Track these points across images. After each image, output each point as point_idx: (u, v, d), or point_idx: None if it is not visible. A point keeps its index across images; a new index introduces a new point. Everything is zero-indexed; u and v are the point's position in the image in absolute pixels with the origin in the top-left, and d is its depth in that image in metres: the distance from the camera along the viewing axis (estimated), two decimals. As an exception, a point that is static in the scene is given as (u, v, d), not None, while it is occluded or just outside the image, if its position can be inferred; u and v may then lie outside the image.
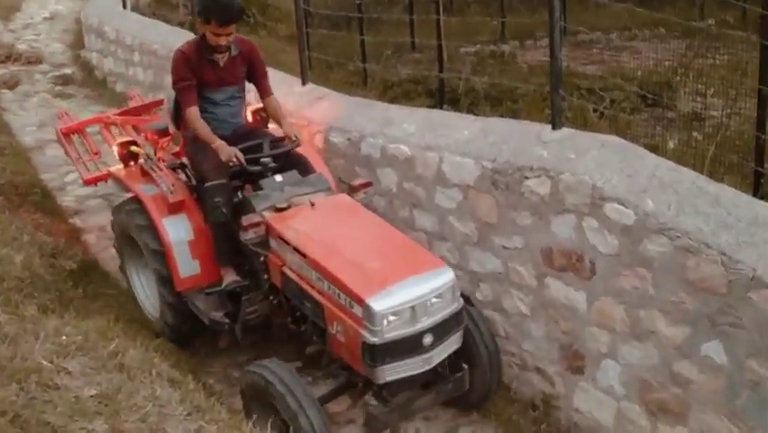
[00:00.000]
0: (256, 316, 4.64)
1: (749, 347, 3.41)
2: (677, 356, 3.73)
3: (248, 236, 4.29)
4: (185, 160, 5.10)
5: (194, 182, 4.98)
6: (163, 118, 6.00)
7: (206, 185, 4.58)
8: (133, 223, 4.97)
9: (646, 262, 3.78)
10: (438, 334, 3.89)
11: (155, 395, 3.09)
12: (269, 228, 4.35)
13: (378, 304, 3.72)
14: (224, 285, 4.68)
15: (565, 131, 4.42)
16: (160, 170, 5.04)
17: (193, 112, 4.71)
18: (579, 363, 4.25)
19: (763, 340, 3.35)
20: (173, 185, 4.87)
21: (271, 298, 4.54)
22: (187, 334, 5.02)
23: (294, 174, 4.70)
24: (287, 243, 4.22)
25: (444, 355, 4.00)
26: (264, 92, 5.03)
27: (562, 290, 4.23)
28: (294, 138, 4.81)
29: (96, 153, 6.34)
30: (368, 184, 4.75)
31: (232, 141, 4.71)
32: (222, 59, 4.81)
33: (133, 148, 5.45)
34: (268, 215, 4.41)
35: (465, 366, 4.20)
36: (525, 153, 4.39)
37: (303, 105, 6.11)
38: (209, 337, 5.07)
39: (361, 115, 5.65)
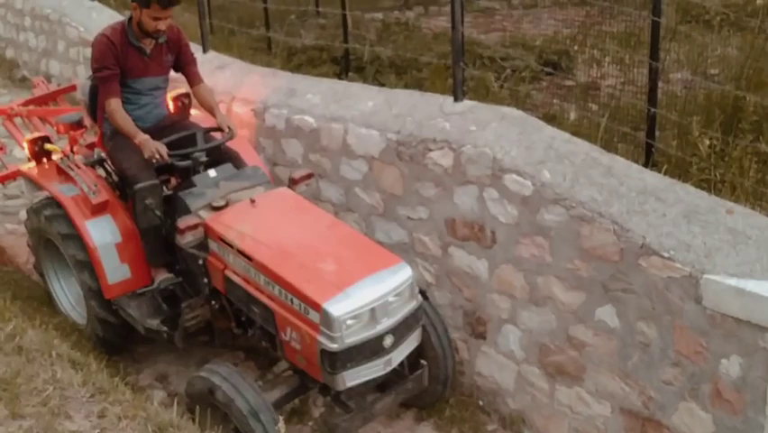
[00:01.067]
0: (197, 322, 4.33)
1: (639, 311, 3.60)
2: (573, 321, 3.90)
3: (185, 240, 4.02)
4: (102, 154, 4.71)
5: (115, 179, 4.67)
6: (72, 108, 5.62)
7: (137, 187, 4.25)
8: (54, 230, 4.59)
9: (544, 231, 3.92)
10: (398, 334, 3.73)
11: (56, 378, 3.03)
12: (207, 229, 4.08)
13: (335, 308, 3.53)
14: (155, 284, 4.41)
15: (467, 103, 4.50)
16: (78, 167, 4.66)
17: (114, 103, 4.38)
18: (481, 329, 4.39)
19: (652, 304, 3.54)
20: (95, 184, 4.51)
21: (213, 303, 4.26)
22: (120, 345, 4.73)
23: (228, 168, 4.41)
24: (229, 245, 3.97)
25: (404, 355, 3.87)
26: (194, 79, 4.69)
27: (465, 258, 4.35)
28: (228, 130, 4.49)
29: (0, 149, 5.88)
30: (309, 175, 4.48)
31: (156, 133, 4.41)
32: (149, 46, 4.46)
33: (48, 146, 5.00)
34: (205, 214, 4.14)
35: (424, 363, 4.07)
36: (429, 126, 4.45)
37: (203, 75, 5.98)
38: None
39: (264, 86, 5.59)
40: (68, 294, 5.01)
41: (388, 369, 3.75)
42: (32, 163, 5.01)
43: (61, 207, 4.55)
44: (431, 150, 4.38)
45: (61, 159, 4.80)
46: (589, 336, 3.85)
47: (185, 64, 4.67)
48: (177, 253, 4.30)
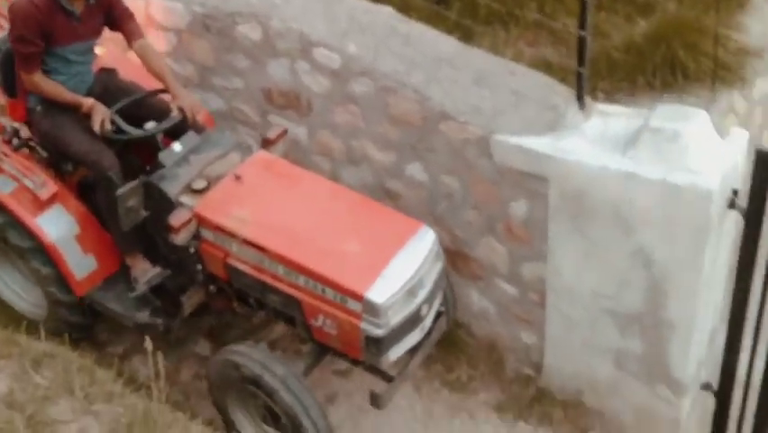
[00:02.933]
0: (193, 308, 4.07)
1: (443, 167, 4.15)
2: (388, 176, 4.41)
3: (181, 238, 3.69)
4: (23, 130, 4.13)
5: (44, 154, 4.14)
6: None
7: (119, 193, 3.71)
8: (10, 242, 4.07)
9: (354, 100, 4.28)
10: (431, 299, 3.70)
11: None
12: (199, 219, 3.74)
13: (378, 296, 3.44)
14: (145, 279, 4.01)
15: (269, -27, 4.58)
16: (6, 155, 4.07)
17: (37, 76, 3.86)
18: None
19: (453, 161, 4.09)
20: (35, 174, 3.98)
21: (210, 287, 4.00)
22: (91, 327, 4.38)
23: (191, 136, 3.94)
24: (231, 234, 3.69)
25: (434, 314, 3.81)
26: (133, 35, 4.04)
27: (285, 125, 4.65)
28: (181, 111, 3.88)
29: None
30: (284, 132, 4.13)
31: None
32: (79, 7, 3.87)
33: None
34: (188, 200, 3.77)
35: (443, 308, 3.95)
36: (235, -1, 4.53)
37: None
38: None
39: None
40: (20, 291, 4.46)
41: (424, 334, 3.74)
42: None
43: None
44: (238, 23, 4.50)
45: None
46: (401, 189, 4.38)
47: (119, 20, 4.05)
48: (156, 240, 3.97)
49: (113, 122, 3.86)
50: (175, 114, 3.91)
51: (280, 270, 3.62)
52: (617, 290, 3.77)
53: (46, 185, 3.96)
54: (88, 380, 2.96)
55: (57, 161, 4.13)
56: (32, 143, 4.18)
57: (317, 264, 3.54)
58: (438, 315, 3.88)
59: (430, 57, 4.13)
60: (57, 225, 3.97)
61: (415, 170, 4.26)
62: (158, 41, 4.86)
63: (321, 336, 3.70)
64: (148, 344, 3.81)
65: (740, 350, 3.84)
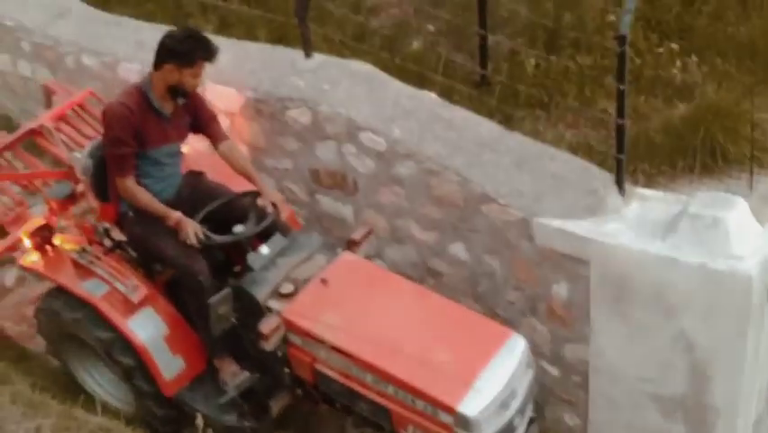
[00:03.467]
0: (281, 410, 4.11)
1: (484, 247, 4.24)
2: (430, 255, 4.51)
3: (271, 345, 3.71)
4: (114, 232, 4.21)
5: (133, 254, 4.22)
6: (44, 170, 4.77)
7: (211, 302, 3.74)
8: (91, 335, 4.12)
9: (399, 182, 4.43)
10: (523, 409, 3.62)
11: None
12: (288, 324, 3.75)
13: (471, 409, 3.37)
14: (235, 384, 4.01)
15: (318, 59, 4.80)
16: (99, 258, 4.13)
17: (130, 183, 3.91)
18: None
19: (493, 241, 4.18)
20: (126, 277, 4.05)
21: (298, 390, 4.01)
22: (181, 420, 4.28)
23: (278, 240, 3.99)
24: (319, 340, 3.69)
25: (526, 423, 3.71)
26: (219, 136, 4.11)
27: (332, 204, 4.81)
28: (272, 205, 3.94)
29: None
30: (369, 233, 4.12)
31: (179, 204, 3.98)
32: (169, 109, 3.94)
33: (64, 241, 4.28)
34: (275, 305, 3.78)
35: (534, 414, 3.86)
36: (284, 84, 4.74)
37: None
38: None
39: (112, 37, 5.59)
40: (108, 387, 4.50)
41: None
42: (35, 255, 4.32)
43: (86, 305, 4.10)
44: (288, 108, 4.71)
45: (80, 253, 4.18)
46: (444, 267, 4.47)
47: (205, 122, 4.10)
48: (244, 343, 3.98)
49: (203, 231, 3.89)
50: (269, 211, 3.93)
51: (369, 378, 3.60)
52: (660, 374, 3.78)
53: (138, 289, 4.03)
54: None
55: (146, 261, 4.22)
56: (122, 244, 4.25)
57: (407, 374, 3.49)
58: (530, 421, 3.79)
59: (472, 141, 4.28)
60: (146, 328, 4.04)
61: (457, 249, 4.36)
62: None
63: None
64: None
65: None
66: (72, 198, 4.41)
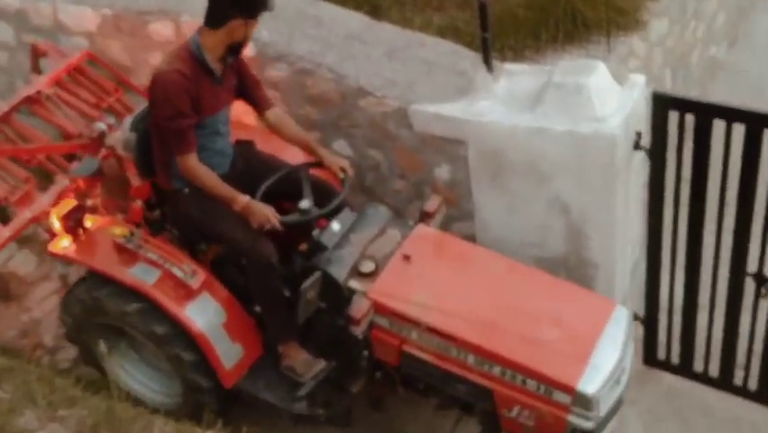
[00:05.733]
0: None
1: (366, 140, 4.32)
2: (315, 155, 4.55)
3: (362, 329, 3.48)
4: (149, 212, 3.87)
5: (184, 238, 3.87)
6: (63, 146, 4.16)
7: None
8: (145, 329, 3.77)
9: (274, 85, 4.39)
10: (628, 381, 3.53)
11: None
12: (374, 306, 3.51)
13: (590, 387, 3.24)
14: (311, 374, 3.72)
15: (173, -32, 4.63)
16: (147, 242, 3.74)
17: (193, 160, 3.52)
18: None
19: (374, 133, 4.26)
20: (181, 261, 3.69)
21: (376, 374, 3.78)
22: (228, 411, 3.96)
23: (347, 215, 3.74)
24: (412, 321, 3.49)
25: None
26: (266, 103, 3.80)
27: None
28: (341, 171, 3.71)
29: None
30: (442, 204, 3.89)
31: (234, 179, 3.66)
32: (219, 68, 3.55)
33: (115, 229, 3.81)
34: (357, 285, 3.55)
35: None
36: (142, -3, 4.57)
37: None
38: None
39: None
40: (149, 383, 4.20)
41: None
42: (67, 240, 3.88)
43: (138, 296, 3.72)
44: (149, 21, 4.55)
45: (127, 236, 3.75)
46: (330, 165, 4.53)
47: (251, 86, 3.75)
48: (317, 328, 3.74)
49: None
50: (341, 177, 3.71)
51: (471, 359, 3.43)
52: (541, 238, 4.02)
53: (196, 274, 3.68)
54: (49, 389, 3.04)
55: (190, 241, 3.88)
56: (173, 230, 3.92)
57: (518, 355, 3.34)
58: None
59: (342, 36, 4.28)
60: (204, 315, 3.71)
61: (340, 146, 4.42)
62: (69, 44, 4.89)
63: (512, 426, 3.48)
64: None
65: (660, 279, 4.15)
66: (100, 174, 3.98)
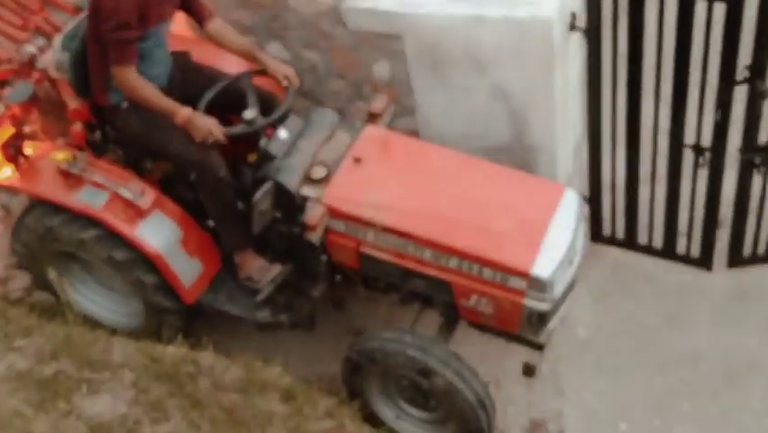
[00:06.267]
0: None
1: (300, 41, 4.23)
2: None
3: (317, 235, 3.45)
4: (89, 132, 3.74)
5: (129, 157, 3.78)
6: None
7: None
8: (102, 255, 3.70)
9: (201, -9, 4.24)
10: (580, 262, 3.57)
11: None
12: (330, 211, 3.50)
13: (544, 271, 3.29)
14: (268, 279, 3.74)
15: None
16: (92, 165, 3.64)
17: (131, 72, 3.43)
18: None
19: (308, 34, 4.17)
20: (129, 182, 3.60)
21: (336, 277, 3.80)
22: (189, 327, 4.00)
23: (294, 121, 3.66)
24: (367, 223, 3.48)
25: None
26: (207, 14, 3.71)
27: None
28: (286, 79, 3.63)
29: None
30: (388, 103, 3.82)
31: (172, 92, 3.58)
32: None
33: (58, 154, 3.68)
34: (310, 192, 3.53)
35: None
36: None
37: None
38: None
39: None
40: (109, 304, 4.16)
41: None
42: (9, 169, 3.80)
43: (92, 223, 3.64)
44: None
45: (70, 161, 3.64)
46: (267, 70, 4.45)
47: None
48: (270, 235, 3.69)
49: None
50: (286, 85, 3.63)
51: (427, 254, 3.46)
52: (484, 128, 4.04)
53: (145, 193, 3.62)
54: (4, 320, 3.04)
55: (135, 159, 3.82)
56: (116, 150, 3.85)
57: (472, 246, 3.37)
58: None
59: (263, -68, 4.11)
60: (159, 233, 3.66)
61: (275, 49, 4.32)
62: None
63: (471, 315, 3.58)
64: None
65: (602, 157, 4.22)
66: (35, 99, 3.85)
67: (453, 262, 3.44)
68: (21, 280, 4.35)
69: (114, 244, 3.68)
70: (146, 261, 3.69)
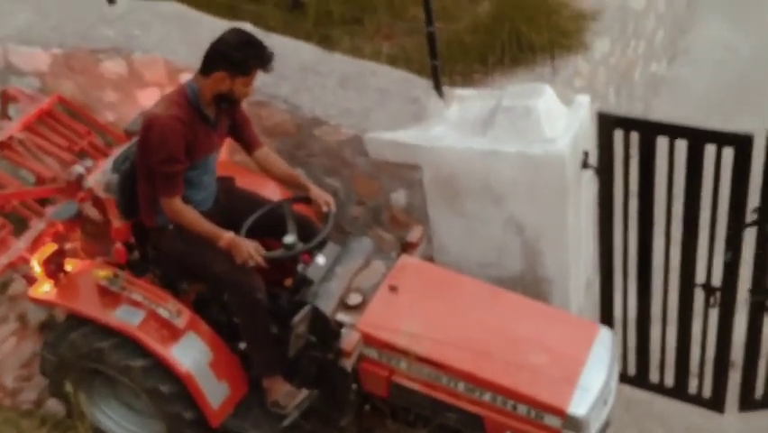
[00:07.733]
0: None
1: (323, 169, 4.38)
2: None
3: (352, 361, 3.47)
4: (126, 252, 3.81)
5: (166, 278, 3.85)
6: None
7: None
8: (120, 364, 3.71)
9: (229, 118, 4.44)
10: (614, 402, 3.55)
11: None
12: (364, 338, 3.52)
13: (580, 410, 3.26)
14: (294, 405, 3.69)
15: (122, 3, 4.66)
16: (131, 284, 3.72)
17: (178, 202, 3.53)
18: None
19: (331, 161, 4.33)
20: (166, 301, 3.66)
21: (365, 407, 3.78)
22: None
23: (332, 248, 3.76)
24: (401, 352, 3.49)
25: None
26: (255, 142, 3.79)
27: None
28: (326, 205, 3.69)
29: None
30: (424, 234, 3.92)
31: (216, 214, 3.65)
32: (213, 114, 3.56)
33: (99, 271, 3.76)
34: (346, 318, 3.56)
35: None
36: (92, 35, 4.58)
37: None
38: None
39: None
40: (114, 417, 4.12)
41: None
42: (49, 284, 3.85)
43: (112, 333, 3.69)
44: (101, 60, 4.57)
45: (110, 279, 3.73)
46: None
47: (242, 126, 3.74)
48: (302, 362, 3.72)
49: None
50: (325, 210, 3.69)
51: (461, 386, 3.44)
52: (498, 258, 4.12)
53: (182, 313, 3.66)
54: (16, 431, 3.02)
55: (172, 280, 3.87)
56: (156, 271, 3.89)
57: (508, 380, 3.35)
58: None
59: (294, 67, 4.35)
60: (190, 354, 3.68)
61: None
62: (20, 85, 4.88)
63: None
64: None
65: (613, 293, 4.27)
66: (79, 218, 3.97)
67: (487, 396, 3.40)
68: (30, 393, 4.33)
69: (159, 376, 3.69)
70: (188, 395, 3.69)
